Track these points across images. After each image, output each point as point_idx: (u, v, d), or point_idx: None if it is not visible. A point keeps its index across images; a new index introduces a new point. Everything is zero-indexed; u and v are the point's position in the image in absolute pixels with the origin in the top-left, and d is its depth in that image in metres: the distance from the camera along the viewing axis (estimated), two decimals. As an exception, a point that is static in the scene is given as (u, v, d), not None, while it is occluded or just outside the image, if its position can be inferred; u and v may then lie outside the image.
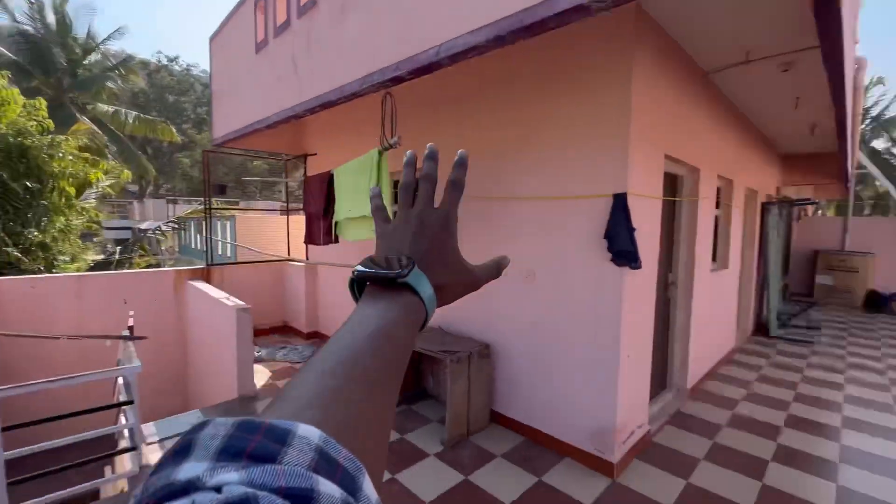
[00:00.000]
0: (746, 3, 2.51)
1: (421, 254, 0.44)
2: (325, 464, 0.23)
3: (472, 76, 3.49)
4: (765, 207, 6.59)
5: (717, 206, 4.94)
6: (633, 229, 2.59)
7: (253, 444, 0.22)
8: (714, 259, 4.99)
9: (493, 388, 3.54)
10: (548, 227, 3.10)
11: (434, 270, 0.44)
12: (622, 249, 2.56)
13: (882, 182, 10.33)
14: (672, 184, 3.83)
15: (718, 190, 4.98)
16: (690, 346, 4.06)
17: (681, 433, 3.40)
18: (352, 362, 0.33)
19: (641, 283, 2.98)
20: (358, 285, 0.44)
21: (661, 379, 4.01)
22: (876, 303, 8.94)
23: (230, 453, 0.22)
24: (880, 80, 18.38)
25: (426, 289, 0.42)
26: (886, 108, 18.69)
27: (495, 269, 0.52)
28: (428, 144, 0.48)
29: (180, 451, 0.22)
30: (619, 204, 2.62)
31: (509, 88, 3.29)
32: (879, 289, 9.20)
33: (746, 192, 5.93)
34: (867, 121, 18.78)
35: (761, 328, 6.78)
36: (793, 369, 5.00)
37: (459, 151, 0.49)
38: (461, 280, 0.48)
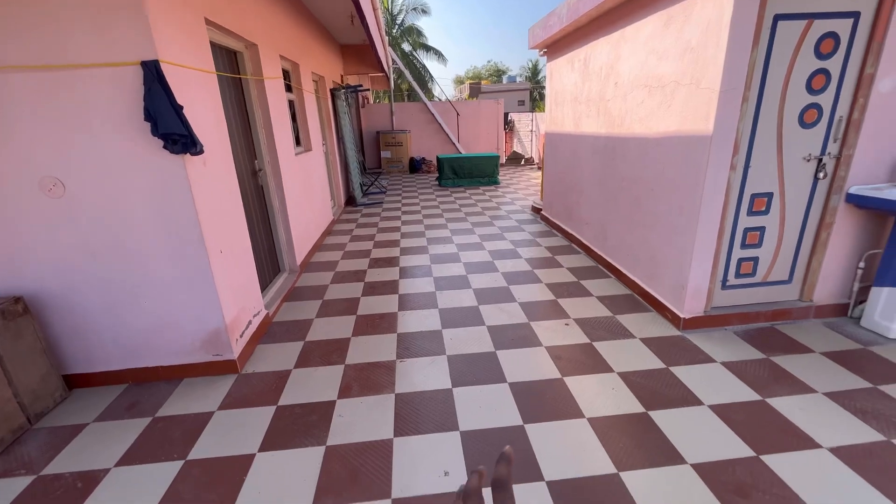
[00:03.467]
0: None
1: None
2: None
3: None
4: (333, 93, 7.44)
5: (291, 90, 5.09)
6: (181, 107, 2.20)
7: None
8: (298, 143, 5.31)
9: (57, 350, 2.60)
10: (61, 112, 2.18)
11: None
12: (171, 132, 2.15)
13: (406, 75, 13.83)
14: (233, 61, 3.51)
15: (288, 73, 5.08)
16: (292, 227, 4.35)
17: (296, 304, 3.76)
18: None
19: (217, 172, 2.72)
20: None
21: (273, 263, 4.18)
22: (415, 166, 12.62)
23: None
24: (398, -9, 23.30)
25: None
26: (406, 16, 24.24)
27: None
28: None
29: None
30: (153, 75, 2.11)
31: None
32: (415, 156, 12.95)
33: (315, 78, 6.41)
34: (396, 27, 23.98)
35: (351, 199, 8.22)
36: (371, 225, 6.45)
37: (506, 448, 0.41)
38: None
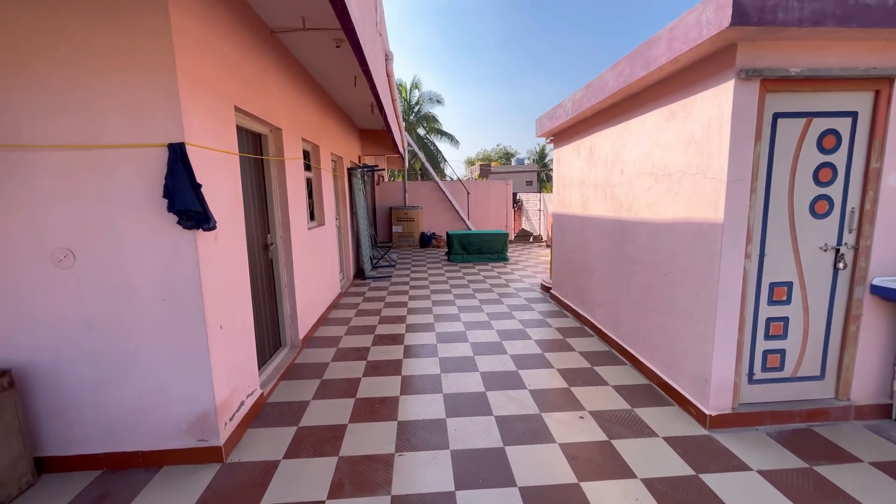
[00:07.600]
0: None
1: None
2: None
3: None
4: (350, 172, 7.83)
5: (309, 168, 5.36)
6: (199, 186, 2.27)
7: None
8: (312, 218, 5.46)
9: (34, 430, 2.43)
10: (83, 188, 2.27)
11: None
12: (187, 209, 2.20)
13: (420, 156, 14.70)
14: (257, 143, 3.73)
15: (308, 154, 5.39)
16: (298, 301, 4.30)
17: (294, 384, 3.57)
18: None
19: (227, 247, 2.74)
20: None
21: (275, 338, 4.05)
22: (425, 241, 12.86)
23: None
24: (416, 85, 25.70)
25: None
26: (422, 105, 26.43)
27: None
28: None
29: None
30: (177, 156, 2.21)
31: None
32: (426, 231, 13.26)
33: (333, 158, 6.79)
34: (412, 114, 26.07)
35: (360, 272, 8.26)
36: (378, 299, 6.38)
37: None
38: None
